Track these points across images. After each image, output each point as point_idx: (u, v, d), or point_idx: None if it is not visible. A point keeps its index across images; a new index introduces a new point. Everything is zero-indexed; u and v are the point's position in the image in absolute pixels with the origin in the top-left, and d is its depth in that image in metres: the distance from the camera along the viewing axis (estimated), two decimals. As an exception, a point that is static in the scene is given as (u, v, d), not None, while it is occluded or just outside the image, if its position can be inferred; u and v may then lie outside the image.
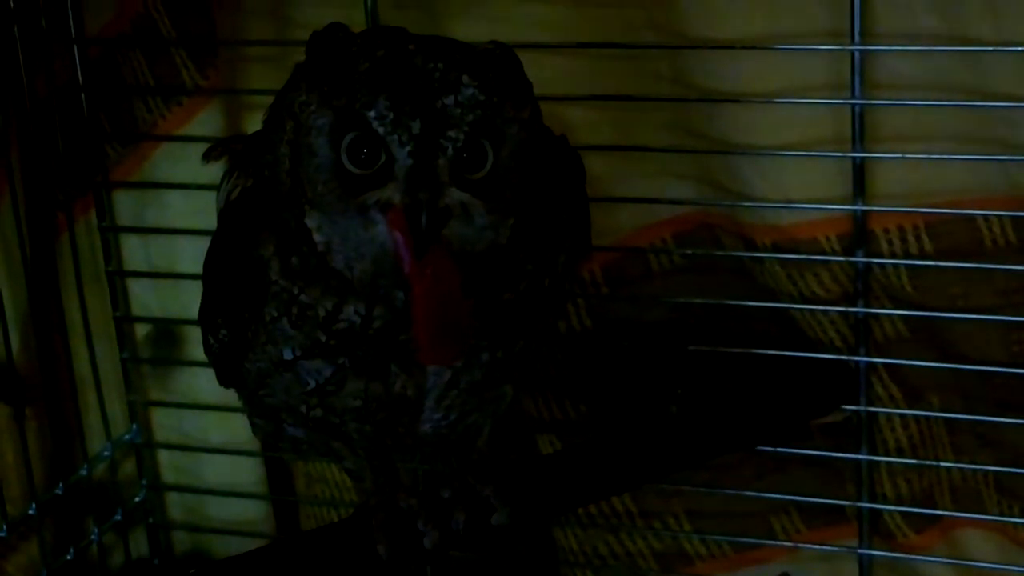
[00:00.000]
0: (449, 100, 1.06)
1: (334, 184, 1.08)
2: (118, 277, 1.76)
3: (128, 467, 1.82)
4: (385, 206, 1.07)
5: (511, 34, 1.46)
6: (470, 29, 1.12)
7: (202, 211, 1.68)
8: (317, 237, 1.10)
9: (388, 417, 1.21)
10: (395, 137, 1.05)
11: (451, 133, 1.06)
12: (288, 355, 1.17)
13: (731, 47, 1.47)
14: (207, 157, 1.36)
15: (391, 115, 1.05)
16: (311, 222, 1.10)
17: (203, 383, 1.76)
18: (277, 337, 1.17)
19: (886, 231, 1.49)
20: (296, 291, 1.13)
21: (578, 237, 1.24)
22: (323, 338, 1.14)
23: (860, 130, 1.46)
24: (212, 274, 1.25)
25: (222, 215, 1.23)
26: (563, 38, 1.53)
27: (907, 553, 1.59)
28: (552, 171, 1.17)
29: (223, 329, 1.22)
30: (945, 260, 1.47)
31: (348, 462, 1.32)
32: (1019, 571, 1.56)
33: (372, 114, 1.05)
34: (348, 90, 1.06)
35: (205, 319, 1.27)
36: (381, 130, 1.05)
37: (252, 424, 1.33)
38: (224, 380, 1.31)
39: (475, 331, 1.15)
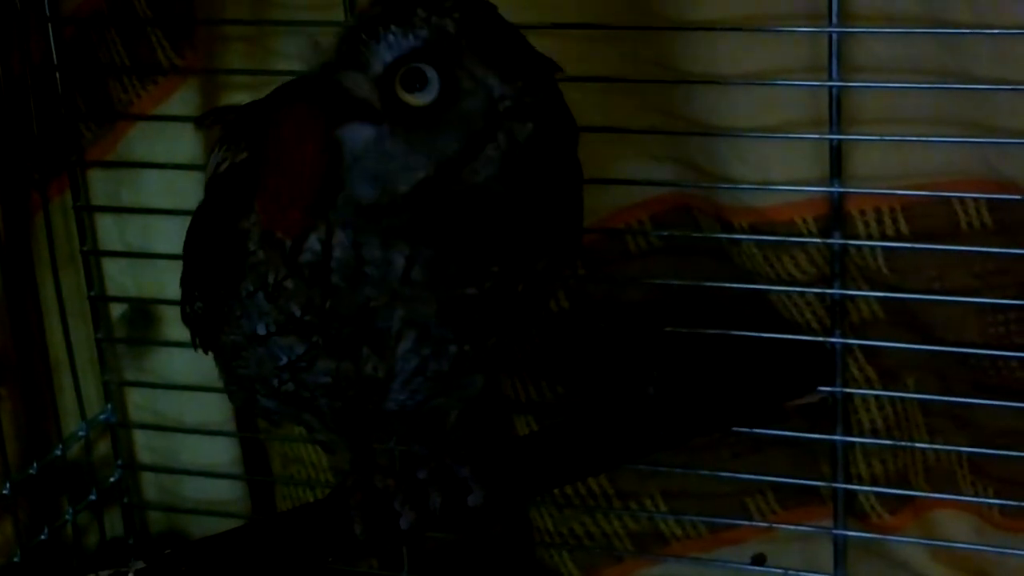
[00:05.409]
0: (422, 13, 1.06)
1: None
2: (93, 257, 1.76)
3: (103, 447, 1.81)
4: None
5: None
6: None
7: (178, 191, 1.68)
8: None
9: (357, 395, 1.21)
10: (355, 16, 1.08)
11: (398, 28, 1.05)
12: (262, 330, 1.17)
13: (710, 29, 1.47)
14: (200, 124, 1.36)
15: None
16: None
17: (179, 363, 1.76)
18: (252, 312, 1.17)
19: (863, 213, 1.49)
20: None
21: (566, 243, 1.20)
22: (298, 313, 1.14)
23: (837, 112, 1.46)
24: (191, 246, 1.25)
25: (208, 186, 1.23)
26: (541, 19, 1.52)
27: (881, 533, 1.60)
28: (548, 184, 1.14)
29: (199, 302, 1.23)
30: (921, 242, 1.48)
31: (319, 434, 1.33)
32: (993, 551, 1.57)
33: None
34: None
35: (184, 288, 1.28)
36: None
37: (228, 391, 1.33)
38: (202, 345, 1.30)
39: (438, 322, 1.14)
